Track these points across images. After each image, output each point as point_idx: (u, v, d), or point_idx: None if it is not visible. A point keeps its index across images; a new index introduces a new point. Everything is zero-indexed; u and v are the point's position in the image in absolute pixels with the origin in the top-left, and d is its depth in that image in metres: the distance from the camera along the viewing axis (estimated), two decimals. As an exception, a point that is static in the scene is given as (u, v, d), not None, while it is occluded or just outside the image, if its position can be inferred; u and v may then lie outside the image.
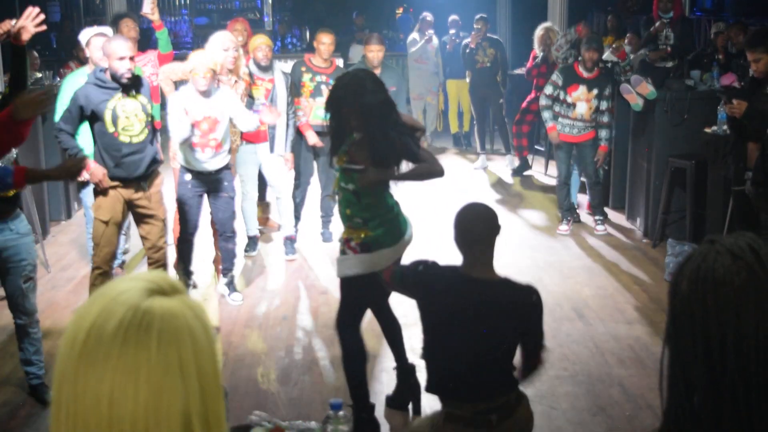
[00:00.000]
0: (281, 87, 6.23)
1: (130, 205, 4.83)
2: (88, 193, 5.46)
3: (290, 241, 6.51)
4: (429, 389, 2.97)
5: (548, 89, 7.01)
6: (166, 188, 5.38)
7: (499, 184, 9.03)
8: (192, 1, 15.19)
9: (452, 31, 10.32)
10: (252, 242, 6.59)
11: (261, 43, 6.25)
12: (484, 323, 2.78)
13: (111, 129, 4.61)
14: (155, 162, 4.86)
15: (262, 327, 5.20)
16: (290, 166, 6.43)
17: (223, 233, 5.42)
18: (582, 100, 6.87)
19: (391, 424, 3.84)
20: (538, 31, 8.56)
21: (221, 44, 5.71)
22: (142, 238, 4.99)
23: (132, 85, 4.64)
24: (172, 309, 1.03)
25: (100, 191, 4.74)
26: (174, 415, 1.00)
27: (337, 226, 6.79)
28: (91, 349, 0.99)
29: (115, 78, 4.58)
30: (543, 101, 7.06)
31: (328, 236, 6.86)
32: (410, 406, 3.96)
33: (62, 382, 1.01)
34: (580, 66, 6.90)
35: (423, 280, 2.95)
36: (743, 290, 1.20)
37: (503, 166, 9.64)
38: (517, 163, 9.35)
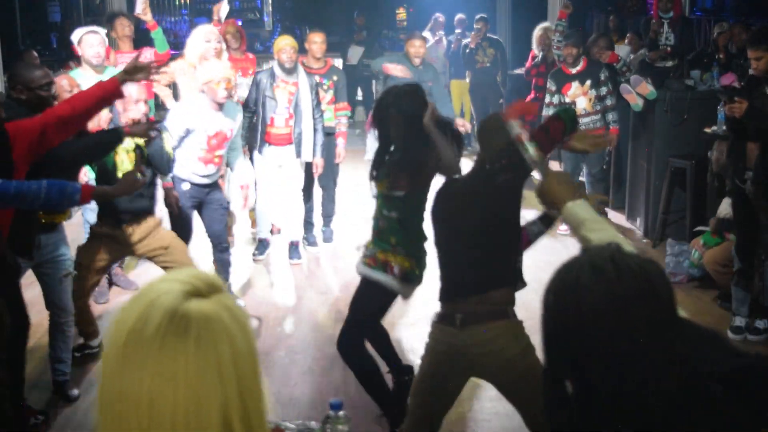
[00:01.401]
0: (305, 90, 6.07)
1: (129, 250, 4.64)
2: None
3: (295, 246, 6.44)
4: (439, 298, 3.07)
5: (547, 98, 7.11)
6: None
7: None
8: (192, 1, 15.19)
9: (458, 31, 10.29)
10: (262, 245, 6.51)
11: (286, 44, 6.06)
12: (456, 218, 2.95)
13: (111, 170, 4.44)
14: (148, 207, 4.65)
15: (263, 327, 5.20)
16: (319, 172, 6.31)
17: (219, 245, 5.27)
18: (579, 95, 6.94)
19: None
20: (537, 32, 8.57)
21: (203, 36, 5.73)
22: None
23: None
24: (209, 312, 1.05)
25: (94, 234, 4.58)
26: (213, 417, 1.02)
27: (339, 226, 6.82)
28: (131, 352, 1.02)
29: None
30: (545, 111, 7.04)
31: (329, 235, 6.82)
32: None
33: (105, 382, 1.04)
34: (565, 65, 7.00)
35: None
36: (600, 301, 1.25)
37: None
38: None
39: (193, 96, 5.18)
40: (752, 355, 1.41)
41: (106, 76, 5.39)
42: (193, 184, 5.12)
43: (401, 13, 15.69)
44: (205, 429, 1.01)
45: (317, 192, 6.72)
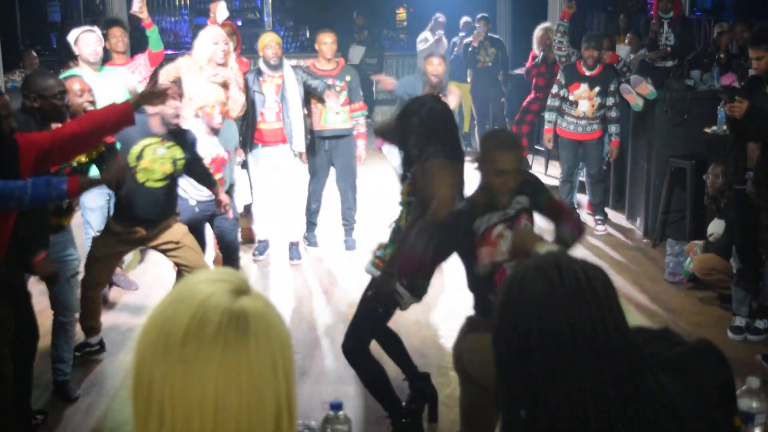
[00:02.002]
0: (291, 82, 6.06)
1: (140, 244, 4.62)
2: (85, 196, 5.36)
3: (295, 246, 6.42)
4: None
5: (554, 88, 7.11)
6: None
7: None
8: (192, 1, 15.18)
9: (462, 34, 10.20)
10: (261, 246, 6.48)
11: (270, 40, 6.10)
12: None
13: (132, 163, 4.35)
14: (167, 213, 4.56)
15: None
16: (304, 160, 6.32)
17: (230, 256, 5.18)
18: (584, 98, 6.92)
19: None
20: (538, 32, 8.56)
21: (211, 38, 5.65)
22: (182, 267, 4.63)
23: (174, 136, 4.42)
24: (261, 308, 1.07)
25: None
26: (270, 410, 1.04)
27: (361, 234, 6.73)
28: (191, 353, 1.01)
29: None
30: (550, 101, 7.13)
31: (351, 244, 6.63)
32: (426, 413, 3.94)
33: (152, 384, 1.02)
34: (582, 64, 6.94)
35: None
36: (543, 304, 1.29)
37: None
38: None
39: (190, 122, 4.98)
40: (697, 340, 1.47)
41: (104, 75, 5.40)
42: (199, 201, 5.04)
43: (401, 13, 15.69)
44: (263, 425, 1.03)
45: (326, 195, 6.63)
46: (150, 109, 4.27)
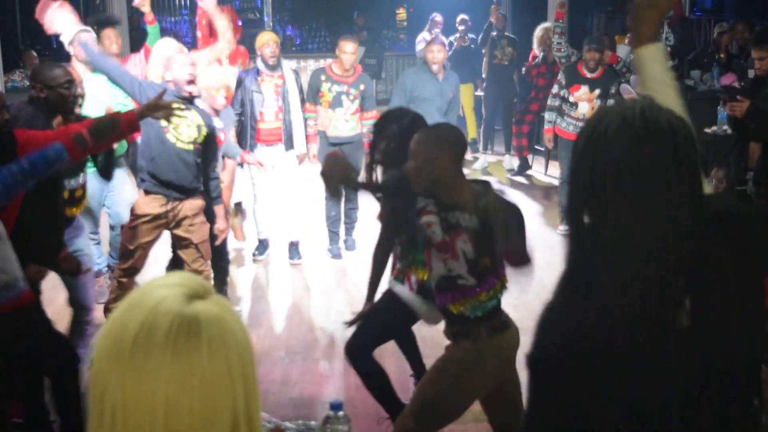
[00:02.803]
0: (292, 83, 6.03)
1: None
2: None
3: (295, 246, 6.39)
4: None
5: (555, 88, 7.06)
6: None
7: (498, 184, 9.02)
8: (192, 1, 15.19)
9: (462, 27, 10.07)
10: (262, 246, 6.46)
11: (268, 39, 6.02)
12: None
13: (163, 123, 4.29)
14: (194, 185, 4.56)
15: (263, 328, 5.20)
16: (312, 160, 6.24)
17: (218, 260, 5.13)
18: (584, 100, 6.84)
19: None
20: (538, 32, 8.56)
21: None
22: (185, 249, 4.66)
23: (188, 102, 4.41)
24: (216, 313, 1.04)
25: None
26: (225, 418, 1.02)
27: (361, 234, 6.70)
28: (141, 359, 0.99)
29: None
30: (550, 101, 7.09)
31: (351, 244, 6.60)
32: None
33: (105, 391, 1.01)
34: (583, 66, 6.89)
35: None
36: (624, 154, 1.32)
37: (503, 166, 9.63)
38: (515, 163, 9.34)
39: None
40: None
41: (97, 76, 5.37)
42: None
43: (401, 13, 15.70)
44: (218, 430, 1.01)
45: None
46: (166, 75, 4.37)
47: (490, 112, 9.74)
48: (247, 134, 6.06)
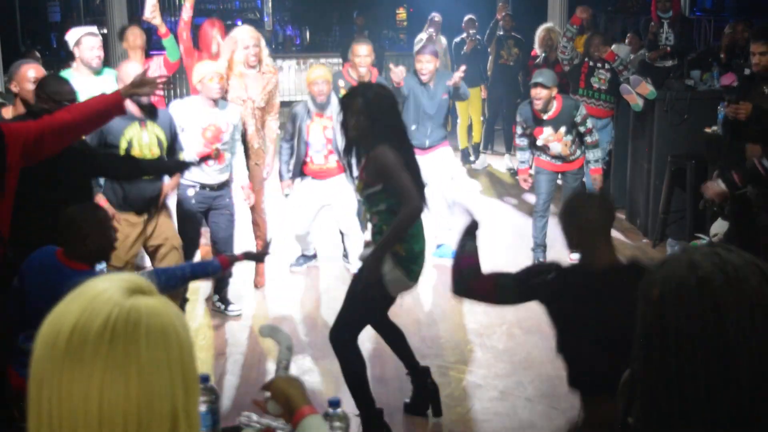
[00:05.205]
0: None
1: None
2: None
3: (305, 258, 6.31)
4: (570, 384, 2.84)
5: (519, 130, 6.16)
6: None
7: (499, 184, 9.03)
8: (192, 1, 15.18)
9: (472, 31, 9.94)
10: (303, 258, 6.30)
11: (317, 77, 5.57)
12: (616, 311, 2.47)
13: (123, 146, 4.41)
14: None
15: (262, 327, 5.19)
16: None
17: (224, 252, 5.08)
18: (553, 141, 5.93)
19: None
20: (540, 32, 8.55)
21: (242, 43, 5.49)
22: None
23: (149, 115, 4.50)
24: (156, 307, 1.03)
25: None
26: (164, 412, 1.00)
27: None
28: (76, 349, 0.98)
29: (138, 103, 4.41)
30: (518, 141, 6.21)
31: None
32: (430, 410, 3.98)
33: (41, 384, 0.99)
34: (536, 109, 5.81)
35: (550, 287, 2.80)
36: (737, 307, 1.17)
37: (503, 166, 9.64)
38: (515, 163, 9.33)
39: (192, 96, 5.18)
40: None
41: (102, 78, 5.39)
42: (201, 186, 5.04)
43: (401, 13, 15.71)
44: (156, 424, 0.99)
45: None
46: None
47: (492, 113, 9.73)
48: (297, 166, 5.80)
